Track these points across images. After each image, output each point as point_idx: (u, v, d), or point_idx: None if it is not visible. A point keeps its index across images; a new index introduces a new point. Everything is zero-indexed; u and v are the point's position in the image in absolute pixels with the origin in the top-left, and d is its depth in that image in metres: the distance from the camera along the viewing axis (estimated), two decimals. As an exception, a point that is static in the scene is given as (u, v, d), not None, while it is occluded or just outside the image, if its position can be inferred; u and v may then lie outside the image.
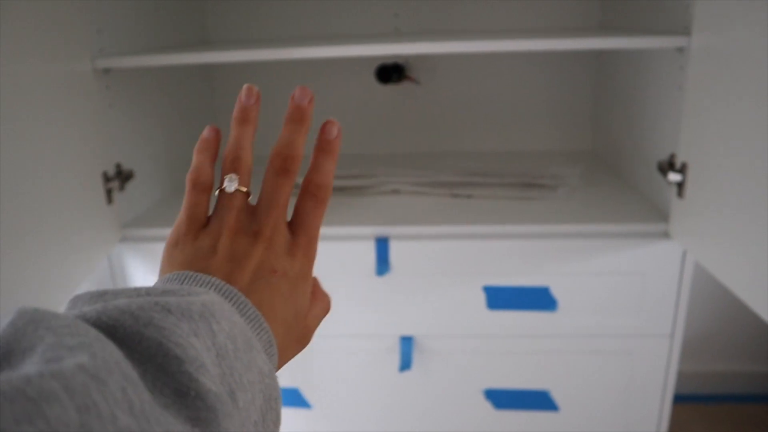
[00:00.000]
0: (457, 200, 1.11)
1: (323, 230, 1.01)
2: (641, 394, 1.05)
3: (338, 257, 1.00)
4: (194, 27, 1.37)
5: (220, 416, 0.25)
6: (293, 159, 0.40)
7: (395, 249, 0.99)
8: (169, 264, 0.37)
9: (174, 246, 0.38)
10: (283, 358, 0.36)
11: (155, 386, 0.24)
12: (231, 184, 0.38)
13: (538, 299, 1.00)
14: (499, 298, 1.00)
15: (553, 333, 1.02)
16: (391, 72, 1.31)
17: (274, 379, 0.32)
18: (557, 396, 1.07)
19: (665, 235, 0.97)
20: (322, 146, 0.42)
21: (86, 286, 1.05)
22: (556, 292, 0.99)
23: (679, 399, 1.56)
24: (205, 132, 0.43)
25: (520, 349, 1.04)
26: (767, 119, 0.68)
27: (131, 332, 0.25)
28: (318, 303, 0.40)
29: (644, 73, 1.10)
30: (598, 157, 1.39)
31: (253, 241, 0.37)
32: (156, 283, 0.35)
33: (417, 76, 1.40)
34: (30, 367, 0.21)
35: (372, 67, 1.35)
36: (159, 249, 1.03)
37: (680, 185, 0.92)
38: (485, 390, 1.07)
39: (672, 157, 0.95)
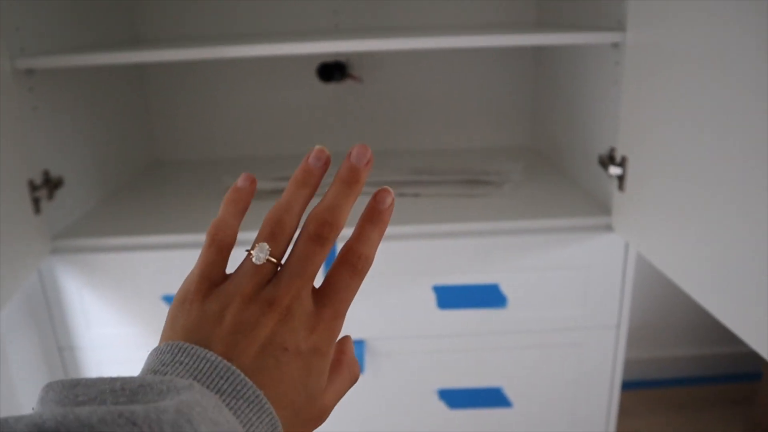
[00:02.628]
0: (404, 199, 1.10)
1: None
2: (590, 384, 1.07)
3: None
4: (123, 24, 1.31)
5: None
6: (332, 227, 0.35)
7: (343, 251, 0.97)
8: (171, 327, 0.34)
9: (180, 304, 0.34)
10: None
11: None
12: (261, 255, 0.34)
13: (488, 296, 1.00)
14: (449, 297, 1.00)
15: (503, 329, 1.02)
16: (332, 70, 1.28)
17: None
18: (510, 392, 1.07)
19: (608, 228, 0.98)
20: (372, 215, 0.37)
21: (17, 300, 0.98)
22: (506, 289, 1.00)
23: (626, 386, 1.60)
24: (239, 180, 0.38)
25: (472, 347, 1.04)
26: (701, 112, 0.69)
27: None
28: (342, 376, 0.36)
29: (581, 69, 1.12)
30: (539, 153, 1.41)
31: (267, 311, 0.33)
32: (145, 362, 0.32)
33: (359, 74, 1.38)
34: None
35: (313, 65, 1.32)
36: (93, 259, 0.97)
37: (621, 178, 0.93)
38: (439, 390, 1.07)
39: (612, 150, 0.97)
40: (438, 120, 1.46)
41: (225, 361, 0.30)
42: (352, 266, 0.35)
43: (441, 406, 1.08)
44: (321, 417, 0.35)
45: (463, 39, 0.92)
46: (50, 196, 0.95)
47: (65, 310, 1.00)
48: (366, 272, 0.36)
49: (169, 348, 0.31)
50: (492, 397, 1.07)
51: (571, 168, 1.21)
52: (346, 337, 0.38)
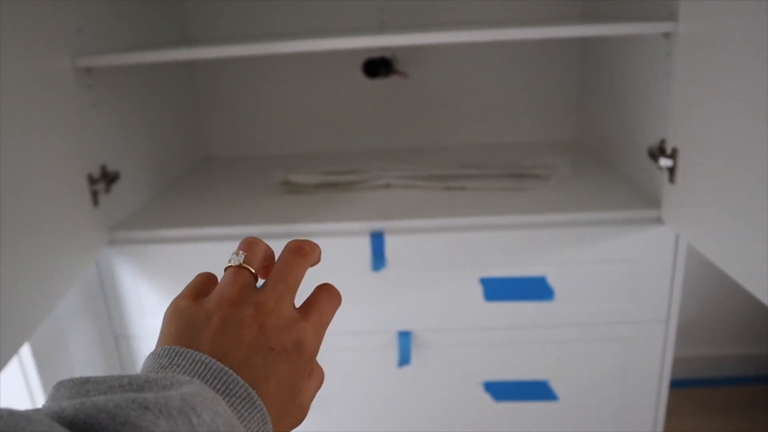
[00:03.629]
0: (451, 193, 1.10)
1: (318, 227, 1.00)
2: (638, 380, 1.06)
3: (333, 254, 0.99)
4: (174, 25, 1.35)
5: None
6: (312, 245, 0.40)
7: (390, 244, 0.98)
8: (165, 332, 0.36)
9: (172, 313, 0.36)
10: None
11: None
12: (237, 258, 0.38)
13: (535, 289, 1.00)
14: (496, 289, 1.00)
15: (550, 322, 1.02)
16: (378, 66, 1.29)
17: None
18: (556, 385, 1.07)
19: (658, 220, 0.97)
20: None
21: (76, 289, 1.02)
22: (553, 282, 0.99)
23: (675, 384, 1.57)
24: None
25: (518, 340, 1.04)
26: (755, 102, 0.68)
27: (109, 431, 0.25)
28: (313, 378, 0.39)
29: (630, 61, 1.11)
30: (586, 146, 1.39)
31: (253, 313, 0.35)
32: (143, 365, 0.34)
33: (405, 69, 1.39)
34: None
35: (359, 61, 1.33)
36: (149, 251, 1.01)
37: (671, 170, 0.92)
38: (484, 382, 1.07)
39: (662, 142, 0.95)
40: (484, 114, 1.45)
41: (218, 363, 0.32)
42: (327, 291, 0.39)
43: (486, 398, 1.08)
44: (301, 416, 0.37)
45: (511, 31, 0.92)
46: (107, 190, 0.99)
47: (121, 299, 1.04)
48: (339, 296, 0.40)
49: (165, 352, 0.33)
50: (538, 391, 1.07)
51: (619, 160, 1.19)
52: None
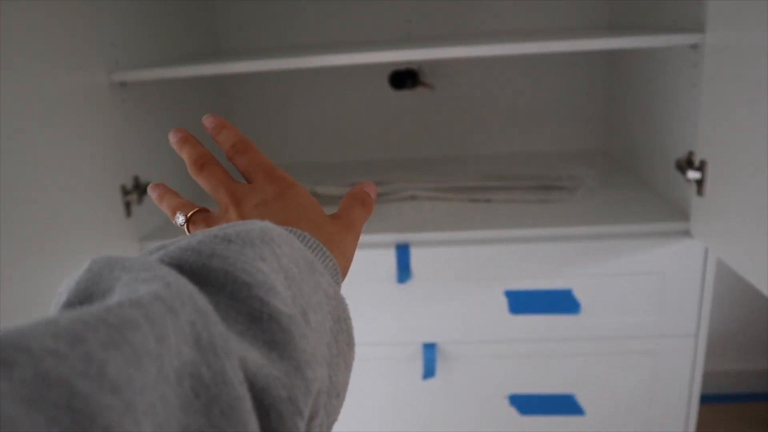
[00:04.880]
0: (476, 205, 1.10)
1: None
2: (667, 395, 1.04)
3: (359, 265, 0.99)
4: (206, 36, 1.38)
5: (295, 337, 0.26)
6: (202, 155, 0.46)
7: (416, 256, 0.99)
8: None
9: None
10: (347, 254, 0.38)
11: (229, 315, 0.25)
12: (179, 219, 0.43)
13: (561, 302, 0.99)
14: (522, 302, 1.00)
15: (576, 336, 1.01)
16: (404, 78, 1.31)
17: (341, 301, 0.32)
18: (583, 400, 1.06)
19: (686, 233, 0.96)
20: (213, 131, 0.50)
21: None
22: (579, 295, 0.99)
23: (706, 399, 1.54)
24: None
25: (543, 353, 1.03)
26: (791, 113, 0.67)
27: (197, 266, 0.26)
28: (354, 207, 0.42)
29: (657, 72, 1.10)
30: (612, 157, 1.38)
31: (227, 214, 0.39)
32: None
33: (431, 81, 1.40)
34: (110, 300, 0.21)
35: (385, 73, 1.35)
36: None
37: (700, 183, 0.91)
38: (510, 395, 1.07)
39: (690, 154, 0.95)
40: (510, 125, 1.46)
41: (267, 223, 0.33)
42: (236, 153, 0.46)
43: (512, 411, 1.07)
44: (350, 227, 0.40)
45: (535, 45, 0.93)
46: (139, 201, 1.01)
47: (152, 308, 1.06)
48: (249, 145, 0.46)
49: (226, 226, 0.33)
50: (564, 404, 1.06)
51: (646, 172, 1.18)
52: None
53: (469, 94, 1.44)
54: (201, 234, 0.28)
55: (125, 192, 0.98)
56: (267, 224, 0.30)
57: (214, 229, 0.28)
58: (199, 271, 0.26)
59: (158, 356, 0.19)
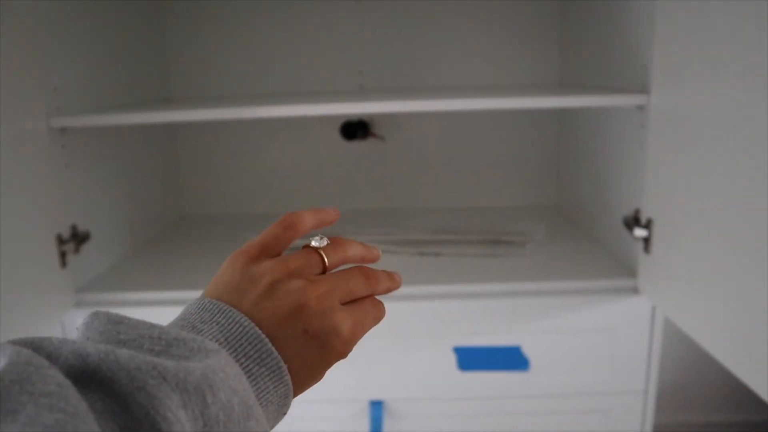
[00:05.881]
0: (425, 259, 1.09)
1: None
2: (617, 454, 1.03)
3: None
4: (156, 84, 1.36)
5: None
6: (378, 273, 0.41)
7: (363, 310, 0.96)
8: (217, 280, 0.37)
9: (232, 260, 0.38)
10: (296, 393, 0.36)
11: None
12: (320, 242, 0.39)
13: (510, 359, 0.98)
14: (470, 358, 0.98)
15: (526, 393, 1.00)
16: (356, 129, 1.31)
17: None
18: (533, 459, 1.04)
19: (634, 290, 0.96)
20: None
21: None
22: (528, 351, 0.98)
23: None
24: (331, 210, 0.44)
25: (494, 411, 1.01)
26: (727, 174, 0.69)
27: (125, 392, 0.26)
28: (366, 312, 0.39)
29: (605, 130, 1.12)
30: (563, 211, 1.40)
31: (301, 287, 0.35)
32: (186, 310, 0.35)
33: (382, 132, 1.40)
34: None
35: (337, 123, 1.35)
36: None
37: (647, 240, 0.92)
38: (458, 455, 1.04)
39: (637, 212, 0.96)
40: (460, 178, 1.46)
41: (256, 329, 0.33)
42: (374, 301, 0.40)
43: (462, 472, 1.04)
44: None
45: (486, 101, 0.93)
46: (77, 250, 0.97)
47: (85, 363, 1.00)
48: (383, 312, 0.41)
49: (210, 306, 0.34)
50: (515, 465, 1.04)
51: (595, 228, 1.19)
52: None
53: (420, 147, 1.44)
54: (143, 359, 0.27)
55: (61, 241, 0.93)
56: (216, 364, 0.29)
57: (156, 360, 0.27)
58: (125, 397, 0.26)
59: None
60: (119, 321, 0.30)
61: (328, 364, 0.36)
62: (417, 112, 1.37)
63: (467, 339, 0.97)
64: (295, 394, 0.35)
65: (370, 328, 0.39)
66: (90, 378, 0.26)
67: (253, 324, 0.33)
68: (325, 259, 0.38)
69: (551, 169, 1.46)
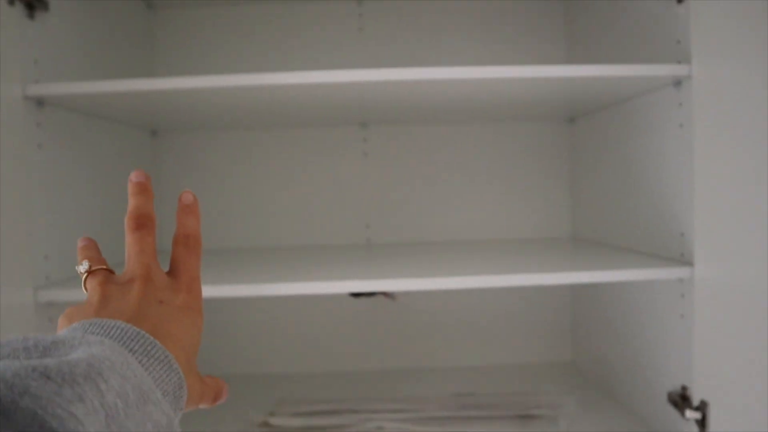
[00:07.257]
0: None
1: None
2: None
3: None
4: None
5: None
6: (146, 216, 0.42)
7: None
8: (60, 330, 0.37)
9: (61, 318, 0.38)
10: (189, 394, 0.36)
11: None
12: (83, 267, 0.41)
13: None
14: None
15: None
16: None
17: (173, 429, 0.31)
18: None
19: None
20: (183, 209, 0.45)
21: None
22: None
23: None
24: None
25: None
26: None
27: (5, 402, 0.23)
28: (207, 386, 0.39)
29: (633, 298, 1.05)
30: (580, 370, 1.30)
31: (129, 284, 0.38)
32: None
33: (392, 291, 1.33)
34: None
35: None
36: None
37: (701, 423, 0.82)
38: None
39: (684, 389, 0.87)
40: (475, 336, 1.38)
41: (133, 327, 0.33)
42: (184, 245, 0.43)
43: None
44: (200, 386, 0.38)
45: (503, 278, 0.84)
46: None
47: None
48: (198, 246, 0.44)
49: (79, 325, 0.33)
50: None
51: (623, 395, 1.09)
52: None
53: (432, 305, 1.36)
54: (19, 364, 0.25)
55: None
56: (100, 353, 0.28)
57: (35, 362, 0.25)
58: (6, 408, 0.23)
59: None
60: None
61: (199, 329, 0.39)
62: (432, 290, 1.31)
63: None
64: (192, 370, 0.36)
65: (199, 267, 0.42)
66: None
67: (128, 324, 0.33)
68: (101, 266, 0.41)
69: (567, 326, 1.38)
